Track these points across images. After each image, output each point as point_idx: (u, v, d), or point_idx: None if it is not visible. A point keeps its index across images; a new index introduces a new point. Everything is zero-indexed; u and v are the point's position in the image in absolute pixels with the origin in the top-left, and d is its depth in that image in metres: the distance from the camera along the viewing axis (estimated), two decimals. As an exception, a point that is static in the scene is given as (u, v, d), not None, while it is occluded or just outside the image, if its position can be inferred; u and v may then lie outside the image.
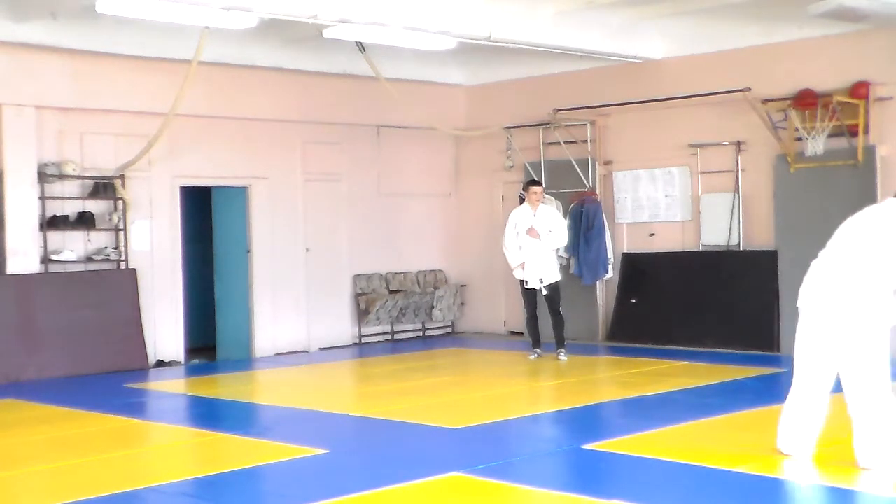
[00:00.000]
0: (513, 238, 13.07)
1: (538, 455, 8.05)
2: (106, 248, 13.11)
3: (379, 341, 15.76)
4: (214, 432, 9.15)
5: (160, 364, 13.41)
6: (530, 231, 12.89)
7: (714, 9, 12.79)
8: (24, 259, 12.43)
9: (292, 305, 14.82)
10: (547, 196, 14.51)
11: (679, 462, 7.51)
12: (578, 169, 15.03)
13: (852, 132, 12.66)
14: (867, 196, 12.68)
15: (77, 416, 9.95)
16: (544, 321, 13.16)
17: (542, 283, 12.95)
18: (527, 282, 13.00)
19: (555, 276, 13.05)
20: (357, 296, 15.54)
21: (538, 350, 13.13)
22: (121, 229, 13.21)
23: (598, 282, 14.98)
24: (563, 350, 12.97)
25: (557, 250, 13.43)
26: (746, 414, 9.29)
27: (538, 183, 13.52)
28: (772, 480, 7.03)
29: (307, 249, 15.02)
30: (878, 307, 6.92)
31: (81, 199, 13.03)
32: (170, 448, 8.92)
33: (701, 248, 14.29)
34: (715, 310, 13.90)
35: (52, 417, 9.98)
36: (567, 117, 15.20)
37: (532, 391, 11.44)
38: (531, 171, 15.49)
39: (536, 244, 12.90)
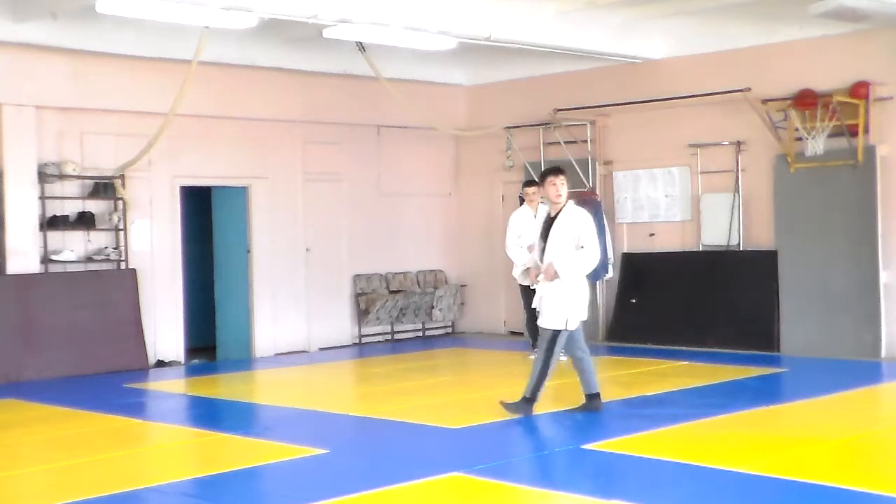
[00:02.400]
0: (514, 240, 12.99)
1: (538, 455, 8.06)
2: (106, 248, 13.11)
3: (379, 341, 15.76)
4: (214, 432, 9.16)
5: (160, 364, 13.41)
6: (530, 248, 12.75)
7: (714, 9, 12.78)
8: (24, 259, 12.43)
9: (292, 305, 14.82)
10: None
11: (679, 462, 7.51)
12: (578, 169, 15.02)
13: (852, 132, 12.65)
14: (867, 196, 12.71)
15: (77, 416, 9.95)
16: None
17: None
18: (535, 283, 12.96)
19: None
20: (357, 296, 15.54)
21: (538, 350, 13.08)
22: (121, 229, 13.21)
23: (598, 282, 14.96)
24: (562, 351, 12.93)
25: None
26: (746, 414, 9.29)
27: (533, 183, 13.29)
28: (772, 480, 7.03)
29: (307, 249, 15.02)
30: None
31: (81, 199, 13.03)
32: (170, 448, 8.92)
33: (701, 248, 14.29)
34: (715, 310, 13.90)
35: (52, 417, 9.98)
36: (567, 117, 15.20)
37: (532, 391, 11.41)
38: (531, 171, 15.48)
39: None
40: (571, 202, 9.35)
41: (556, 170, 9.43)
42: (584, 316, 9.34)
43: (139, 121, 13.11)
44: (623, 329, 14.70)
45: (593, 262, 9.21)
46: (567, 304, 9.20)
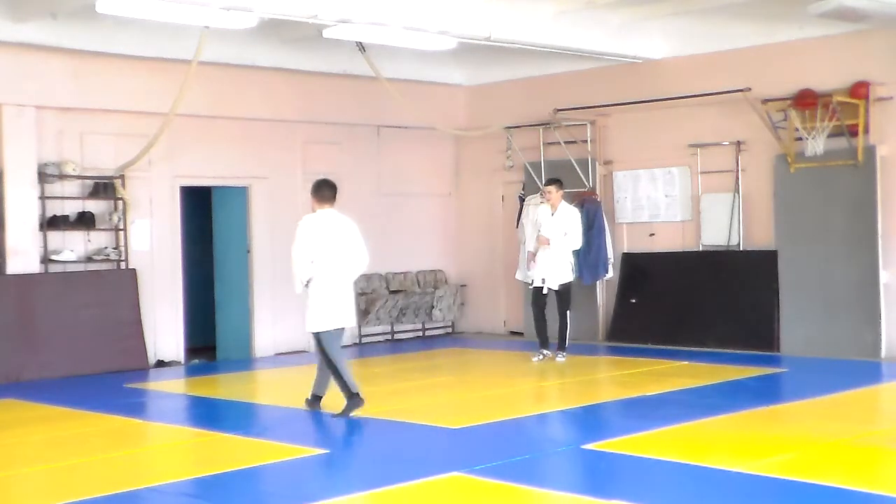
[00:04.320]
0: (531, 232, 13.06)
1: (538, 455, 8.05)
2: (106, 248, 13.11)
3: (379, 341, 15.76)
4: (214, 432, 9.15)
5: (160, 364, 13.41)
6: (539, 239, 12.82)
7: (714, 9, 12.79)
8: (24, 259, 12.43)
9: (292, 305, 14.78)
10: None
11: (679, 462, 7.51)
12: (578, 169, 15.02)
13: (852, 132, 12.65)
14: (867, 196, 12.71)
15: (77, 416, 9.95)
16: (551, 323, 13.00)
17: (543, 282, 12.85)
18: (532, 281, 12.96)
19: (565, 277, 12.85)
20: (357, 296, 15.49)
21: (544, 351, 12.90)
22: (121, 229, 13.20)
23: (598, 282, 14.96)
24: (562, 352, 12.86)
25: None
26: (747, 414, 9.29)
27: (550, 182, 13.16)
28: (772, 480, 7.03)
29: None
30: None
31: (81, 199, 13.02)
32: (170, 448, 8.92)
33: (701, 248, 14.29)
34: (715, 310, 13.90)
35: (52, 417, 9.98)
36: (567, 117, 15.19)
37: (532, 391, 11.44)
38: (531, 171, 15.48)
39: (556, 245, 12.77)
40: (307, 216, 10.02)
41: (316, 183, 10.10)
42: (337, 323, 9.68)
43: (139, 121, 13.11)
44: (623, 329, 14.69)
45: (293, 268, 9.78)
46: (309, 309, 9.72)
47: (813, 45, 13.15)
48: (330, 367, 9.61)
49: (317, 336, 9.68)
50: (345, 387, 9.56)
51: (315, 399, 9.94)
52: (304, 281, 9.73)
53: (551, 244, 12.78)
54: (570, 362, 12.76)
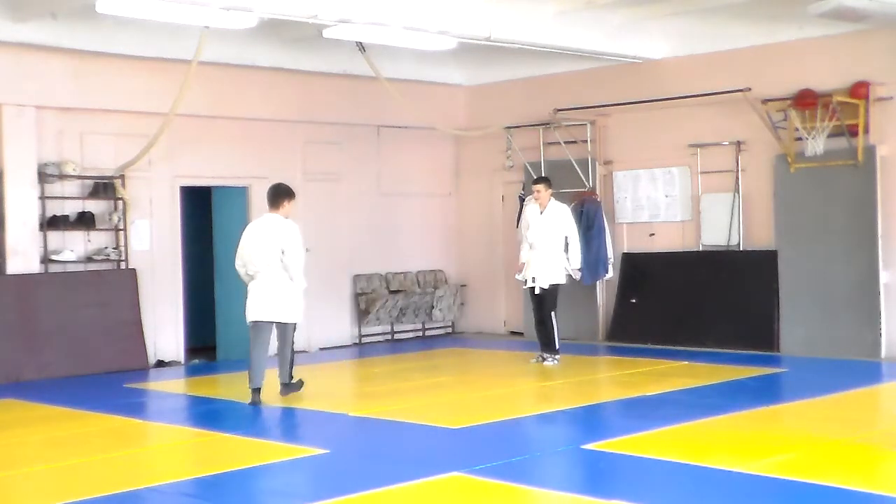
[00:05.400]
0: (524, 234, 12.78)
1: (538, 455, 8.06)
2: (106, 248, 13.11)
3: (379, 341, 15.76)
4: (214, 432, 9.16)
5: (160, 364, 13.41)
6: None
7: (714, 9, 12.79)
8: (24, 259, 12.43)
9: (292, 305, 14.79)
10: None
11: (679, 462, 7.51)
12: (578, 169, 15.02)
13: (852, 132, 12.66)
14: (867, 196, 12.71)
15: (77, 416, 9.95)
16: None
17: (533, 281, 12.59)
18: (525, 282, 12.84)
19: (555, 277, 12.50)
20: (357, 296, 15.54)
21: (544, 355, 12.62)
22: (121, 229, 13.21)
23: (598, 282, 14.96)
24: (553, 356, 12.49)
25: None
26: (747, 414, 9.29)
27: (538, 181, 12.90)
28: (772, 480, 7.03)
29: (307, 249, 14.95)
30: None
31: (81, 199, 13.03)
32: (170, 448, 8.93)
33: (701, 248, 14.29)
34: (715, 310, 13.90)
35: (52, 417, 9.98)
36: (567, 117, 15.19)
37: (532, 391, 11.44)
38: (531, 171, 15.47)
39: (545, 245, 12.62)
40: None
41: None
42: (249, 316, 10.72)
43: (139, 121, 13.11)
44: (623, 329, 14.69)
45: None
46: None
47: (813, 45, 13.16)
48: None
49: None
50: (249, 378, 10.45)
51: (284, 386, 10.68)
52: (244, 280, 10.79)
53: (540, 244, 12.56)
54: (570, 362, 12.74)
